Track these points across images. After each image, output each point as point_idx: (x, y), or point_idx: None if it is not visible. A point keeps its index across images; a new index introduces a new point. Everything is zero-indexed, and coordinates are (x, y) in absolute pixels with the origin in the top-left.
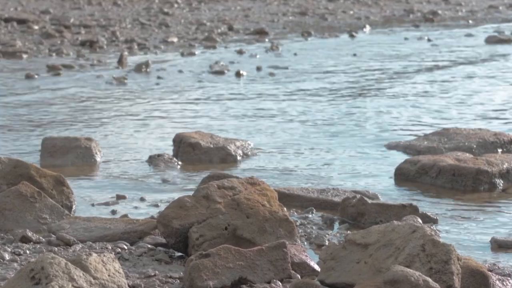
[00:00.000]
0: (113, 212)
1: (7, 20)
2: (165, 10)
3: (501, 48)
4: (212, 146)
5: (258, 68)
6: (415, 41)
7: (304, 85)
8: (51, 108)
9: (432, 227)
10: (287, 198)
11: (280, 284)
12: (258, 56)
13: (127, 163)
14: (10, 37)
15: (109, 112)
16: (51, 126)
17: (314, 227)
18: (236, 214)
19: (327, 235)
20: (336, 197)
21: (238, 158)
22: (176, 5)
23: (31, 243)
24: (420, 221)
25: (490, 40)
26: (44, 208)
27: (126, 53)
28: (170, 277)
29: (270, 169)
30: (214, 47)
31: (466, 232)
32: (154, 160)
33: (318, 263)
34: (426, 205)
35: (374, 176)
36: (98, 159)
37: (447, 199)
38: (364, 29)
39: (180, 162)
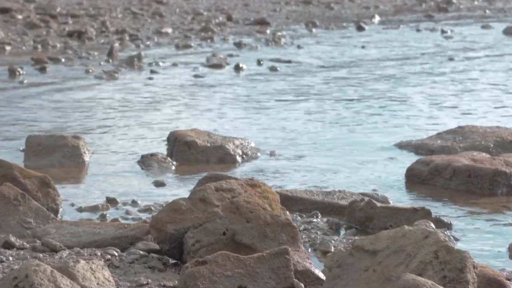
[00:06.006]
0: (103, 216)
1: None
2: None
3: None
4: (209, 145)
5: (259, 62)
6: (427, 33)
7: (308, 80)
8: (36, 104)
9: (446, 233)
10: (289, 201)
11: None
12: (258, 49)
13: (118, 163)
14: None
15: (98, 109)
16: (36, 124)
17: (318, 232)
18: (235, 218)
19: (332, 241)
20: (343, 200)
21: (238, 158)
22: None
23: (14, 249)
24: (433, 226)
25: (509, 32)
26: (28, 212)
27: (117, 45)
28: (164, 285)
29: (272, 170)
30: (212, 39)
31: (483, 238)
32: (146, 160)
33: (323, 271)
34: (440, 208)
35: (384, 177)
36: (87, 159)
37: (462, 203)
38: (373, 20)
39: (174, 162)
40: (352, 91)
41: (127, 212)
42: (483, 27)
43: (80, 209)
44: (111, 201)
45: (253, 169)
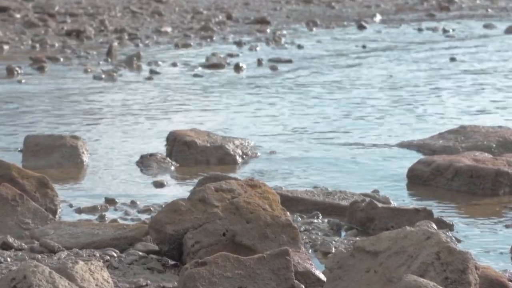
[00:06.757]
0: (102, 216)
1: None
2: None
3: None
4: (209, 145)
5: (259, 61)
6: (429, 32)
7: (309, 80)
8: (34, 104)
9: (447, 234)
10: (290, 201)
11: None
12: (258, 48)
13: (117, 164)
14: None
15: (97, 109)
16: (34, 124)
17: (319, 233)
18: (235, 218)
19: (333, 242)
20: (344, 201)
21: (237, 158)
22: None
23: (12, 250)
24: (435, 227)
25: (511, 31)
26: (26, 212)
27: (115, 44)
28: (163, 287)
29: (272, 170)
30: (211, 38)
31: (485, 239)
32: (146, 160)
33: (323, 272)
34: (441, 209)
35: (385, 177)
36: (85, 159)
37: (464, 203)
38: (374, 19)
39: (174, 163)
40: (353, 90)
41: (126, 213)
42: (485, 26)
43: (79, 210)
44: (110, 202)
45: (253, 169)
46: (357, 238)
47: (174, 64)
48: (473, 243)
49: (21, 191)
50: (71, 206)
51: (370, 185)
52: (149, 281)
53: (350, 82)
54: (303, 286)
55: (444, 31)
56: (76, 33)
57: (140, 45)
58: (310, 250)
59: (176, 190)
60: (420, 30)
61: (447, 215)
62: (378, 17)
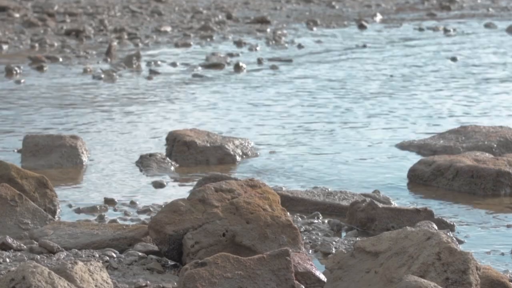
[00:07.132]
0: (101, 217)
1: None
2: None
3: None
4: (209, 145)
5: (259, 61)
6: (430, 32)
7: (309, 80)
8: (33, 104)
9: (448, 234)
10: (290, 201)
11: None
12: (258, 48)
13: (116, 164)
14: None
15: (96, 108)
16: (33, 124)
17: (319, 234)
18: (235, 219)
19: (334, 242)
20: (344, 201)
21: (237, 158)
22: None
23: (11, 250)
24: (436, 227)
25: None
26: (25, 213)
27: (115, 43)
28: (163, 287)
29: (272, 170)
30: (211, 37)
31: (486, 240)
32: (145, 161)
33: (324, 273)
34: (442, 209)
35: (386, 178)
36: (85, 159)
37: (465, 203)
38: (375, 18)
39: (174, 163)
40: (353, 90)
41: (126, 213)
42: (486, 25)
43: (78, 210)
44: (109, 202)
45: (253, 170)
46: (357, 239)
47: (174, 64)
48: (474, 244)
49: (20, 191)
50: (70, 206)
51: (371, 185)
52: (148, 282)
53: (351, 82)
54: (303, 287)
55: (445, 30)
56: (76, 33)
57: (140, 44)
58: (310, 251)
59: (176, 190)
60: (421, 29)
61: (448, 215)
62: (378, 17)
